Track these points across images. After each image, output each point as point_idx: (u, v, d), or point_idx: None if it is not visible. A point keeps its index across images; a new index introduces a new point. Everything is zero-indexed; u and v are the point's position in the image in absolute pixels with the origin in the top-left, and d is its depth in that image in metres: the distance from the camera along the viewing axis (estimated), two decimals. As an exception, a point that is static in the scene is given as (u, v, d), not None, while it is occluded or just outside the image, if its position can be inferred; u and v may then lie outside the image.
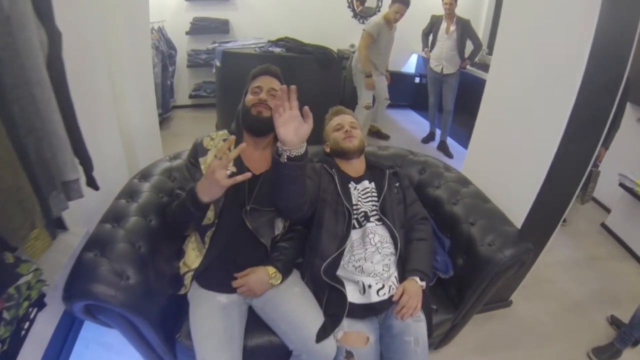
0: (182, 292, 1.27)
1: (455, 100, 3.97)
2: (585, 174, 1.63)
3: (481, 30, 5.08)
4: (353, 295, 1.20)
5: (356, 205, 1.34)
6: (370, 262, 1.24)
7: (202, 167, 1.26)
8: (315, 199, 1.30)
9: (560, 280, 2.38)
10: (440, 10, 3.81)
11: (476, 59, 4.07)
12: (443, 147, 4.11)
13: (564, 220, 2.67)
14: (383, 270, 1.24)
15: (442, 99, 4.05)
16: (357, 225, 1.31)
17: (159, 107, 3.78)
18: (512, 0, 1.67)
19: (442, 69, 3.88)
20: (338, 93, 3.82)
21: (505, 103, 1.70)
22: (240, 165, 1.26)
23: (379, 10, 4.97)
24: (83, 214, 1.40)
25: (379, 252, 1.26)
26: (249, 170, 1.27)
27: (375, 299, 1.19)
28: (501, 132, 1.72)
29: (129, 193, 1.34)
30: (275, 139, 1.36)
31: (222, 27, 4.44)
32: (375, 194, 1.39)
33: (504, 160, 1.69)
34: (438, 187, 1.63)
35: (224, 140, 1.33)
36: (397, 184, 1.45)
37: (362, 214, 1.32)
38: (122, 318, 1.11)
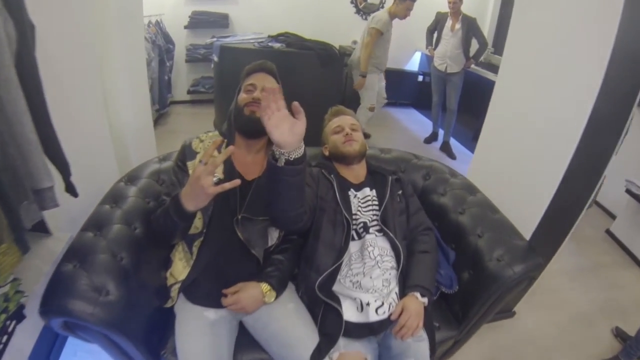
0: (169, 304, 1.19)
1: (459, 100, 3.87)
2: (599, 182, 1.55)
3: (486, 28, 4.97)
4: (350, 313, 1.12)
5: (355, 215, 1.25)
6: (369, 277, 1.15)
7: (190, 171, 1.18)
8: (314, 208, 1.21)
9: (564, 290, 2.32)
10: (446, 7, 3.70)
11: (481, 58, 3.97)
12: (446, 148, 4.02)
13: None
14: (383, 286, 1.16)
15: (445, 99, 3.95)
16: (355, 237, 1.23)
17: (156, 102, 3.69)
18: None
19: (446, 67, 3.78)
20: (339, 91, 3.72)
21: (516, 106, 1.61)
22: (230, 170, 1.17)
23: (382, 6, 4.86)
24: (68, 217, 1.31)
25: (379, 267, 1.17)
26: (240, 176, 1.19)
27: (373, 318, 1.10)
28: (511, 137, 1.63)
29: (114, 198, 1.26)
30: (270, 142, 1.29)
31: (221, 22, 4.34)
32: (376, 203, 1.30)
33: (514, 167, 1.61)
34: (443, 195, 1.54)
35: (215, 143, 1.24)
36: (400, 192, 1.36)
37: (362, 224, 1.24)
38: (102, 335, 1.03)
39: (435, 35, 3.90)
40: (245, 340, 1.17)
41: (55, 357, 1.55)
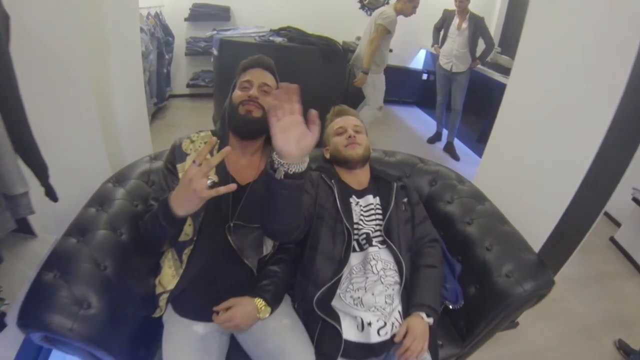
0: (157, 314, 1.12)
1: (464, 100, 3.79)
2: (614, 190, 1.47)
3: (493, 27, 4.86)
4: (349, 332, 1.04)
5: (357, 224, 1.17)
6: (371, 293, 1.08)
7: (180, 174, 1.10)
8: (311, 217, 1.13)
9: (568, 300, 2.27)
10: (453, 4, 3.61)
11: (488, 58, 3.88)
12: (449, 149, 3.94)
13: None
14: (385, 303, 1.08)
15: (450, 98, 3.87)
16: (357, 248, 1.15)
17: (154, 95, 3.60)
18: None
19: (451, 66, 3.70)
20: (342, 89, 3.63)
21: (528, 111, 1.52)
22: (223, 173, 1.09)
23: (387, 2, 4.75)
24: (55, 217, 1.23)
25: (382, 282, 1.10)
26: (234, 180, 1.10)
27: (375, 339, 1.02)
28: (522, 143, 1.55)
29: (100, 200, 1.18)
30: (267, 143, 1.20)
31: (223, 14, 4.24)
32: (379, 211, 1.22)
33: (525, 175, 1.52)
34: (450, 203, 1.46)
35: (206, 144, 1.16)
36: (405, 199, 1.28)
37: (364, 235, 1.15)
38: (83, 350, 0.96)
39: (441, 33, 3.81)
40: (236, 355, 1.09)
41: (42, 366, 1.48)
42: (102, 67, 1.67)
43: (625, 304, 2.32)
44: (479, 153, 4.06)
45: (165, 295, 1.09)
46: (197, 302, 1.07)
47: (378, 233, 1.17)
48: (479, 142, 4.14)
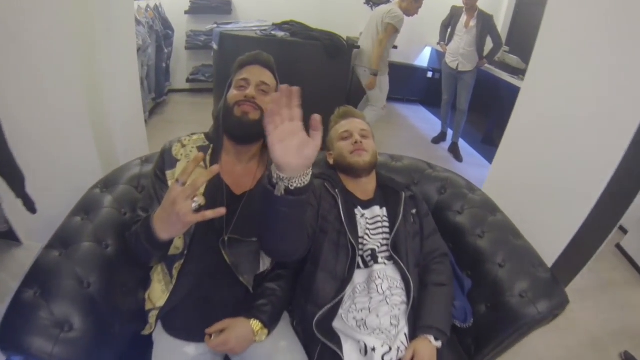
0: (147, 331, 1.04)
1: (470, 99, 3.70)
2: (632, 201, 1.39)
3: (500, 24, 4.75)
4: (352, 357, 0.95)
5: (362, 238, 1.09)
6: (376, 315, 1.00)
7: (170, 182, 1.01)
8: (314, 232, 1.05)
9: (575, 309, 2.19)
10: (461, 2, 3.50)
11: (495, 58, 3.78)
12: (454, 150, 3.85)
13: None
14: (391, 325, 1.00)
15: (456, 98, 3.77)
16: (361, 265, 1.06)
17: (152, 91, 3.51)
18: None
19: (458, 65, 3.60)
20: (345, 86, 3.53)
21: (545, 117, 1.44)
22: (216, 182, 1.00)
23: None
24: (42, 223, 1.16)
25: (387, 303, 1.02)
26: (227, 189, 1.02)
27: (380, 365, 0.95)
28: (537, 150, 1.46)
29: (86, 208, 1.10)
30: (265, 148, 1.10)
31: (224, 7, 4.15)
32: (386, 224, 1.13)
33: (539, 184, 1.44)
34: (460, 213, 1.37)
35: (199, 148, 1.07)
36: (414, 211, 1.19)
37: (369, 251, 1.07)
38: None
39: (449, 30, 3.71)
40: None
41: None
42: (94, 63, 1.58)
43: (633, 314, 2.27)
44: (484, 154, 3.98)
45: (155, 312, 1.01)
46: (189, 320, 0.99)
47: (385, 248, 1.09)
48: (484, 143, 4.06)
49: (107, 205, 1.10)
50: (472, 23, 3.47)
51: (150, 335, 1.03)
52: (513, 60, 3.78)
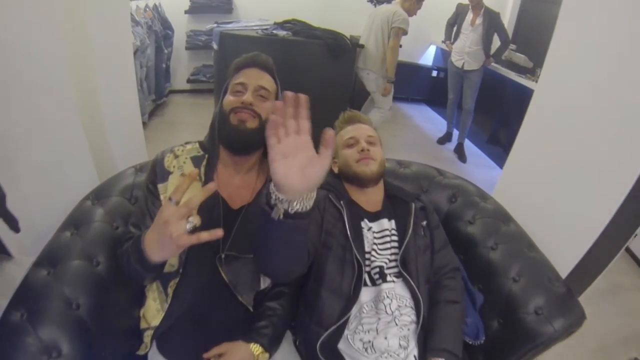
0: (142, 351, 0.98)
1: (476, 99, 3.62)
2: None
3: (505, 22, 4.66)
4: (358, 382, 0.90)
5: (369, 253, 1.02)
6: (384, 337, 0.93)
7: (162, 196, 0.95)
8: (316, 248, 0.98)
9: (585, 316, 2.16)
10: (466, -1, 3.43)
11: (502, 56, 3.70)
12: (459, 151, 3.77)
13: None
14: (400, 347, 0.93)
15: (462, 97, 3.69)
16: (368, 283, 1.00)
17: (152, 92, 3.46)
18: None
19: (463, 64, 3.52)
20: (349, 87, 3.46)
21: (561, 121, 1.36)
22: (212, 194, 0.94)
23: (392, -1, 4.57)
24: (35, 235, 1.10)
25: (396, 323, 0.95)
26: (224, 203, 0.95)
27: (388, 391, 0.89)
28: (553, 157, 1.38)
29: (76, 222, 1.04)
30: (265, 157, 1.02)
31: (225, 7, 4.09)
32: (395, 239, 1.06)
33: (554, 192, 1.36)
34: (472, 223, 1.30)
35: (193, 159, 1.00)
36: (424, 223, 1.12)
37: (377, 269, 1.00)
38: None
39: (455, 29, 3.63)
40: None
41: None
42: (87, 66, 1.53)
43: (640, 318, 2.21)
44: (490, 154, 3.91)
45: (150, 332, 0.95)
46: (185, 341, 0.93)
47: (393, 264, 1.02)
48: (489, 143, 3.99)
49: (98, 219, 1.04)
50: (479, 21, 3.39)
51: (146, 355, 0.97)
52: (520, 58, 3.69)
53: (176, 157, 0.99)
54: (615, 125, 1.19)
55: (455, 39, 3.60)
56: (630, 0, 1.16)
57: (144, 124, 3.28)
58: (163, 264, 0.81)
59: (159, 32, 3.47)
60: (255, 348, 0.89)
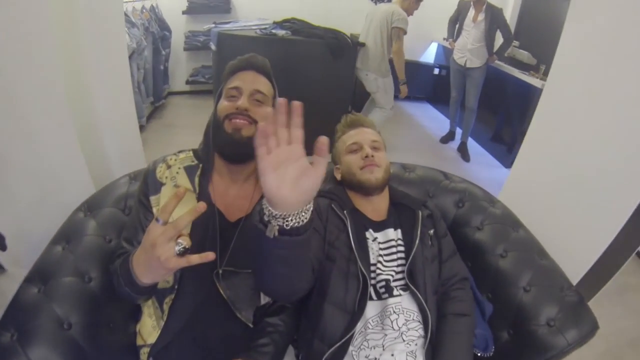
0: (139, 367, 0.95)
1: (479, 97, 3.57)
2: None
3: (508, 16, 4.59)
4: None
5: (374, 266, 0.97)
6: (390, 353, 0.89)
7: (155, 209, 0.91)
8: (320, 263, 0.94)
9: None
10: (468, -5, 3.37)
11: (505, 53, 3.64)
12: (462, 150, 3.72)
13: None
14: (407, 364, 0.90)
15: (464, 95, 3.64)
16: (374, 296, 0.95)
17: (150, 94, 3.42)
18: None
19: (466, 61, 3.46)
20: (351, 88, 3.41)
21: (571, 121, 1.31)
22: (207, 206, 0.90)
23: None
24: (29, 248, 1.06)
25: (403, 339, 0.91)
26: (220, 215, 0.90)
27: (395, 411, 0.84)
28: (562, 158, 1.34)
29: (67, 236, 1.00)
30: None
31: (223, 6, 4.04)
32: (401, 249, 1.01)
33: (564, 195, 1.32)
34: (480, 229, 1.25)
35: (186, 169, 0.95)
36: (432, 231, 1.07)
37: (383, 282, 0.95)
38: None
39: (457, 26, 3.57)
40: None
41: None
42: (79, 69, 1.48)
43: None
44: (493, 153, 3.85)
45: (146, 349, 0.91)
46: (183, 359, 0.90)
47: (400, 276, 0.97)
48: (493, 141, 3.93)
49: (90, 233, 1.00)
50: (480, 17, 3.33)
51: (142, 372, 0.94)
52: (524, 55, 3.63)
53: (169, 167, 0.95)
54: (629, 126, 1.14)
55: (458, 36, 3.54)
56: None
57: (142, 127, 3.24)
58: (154, 285, 0.77)
59: (156, 33, 3.43)
60: None
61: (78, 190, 1.32)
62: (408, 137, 3.98)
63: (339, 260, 0.96)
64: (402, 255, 1.00)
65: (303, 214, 0.60)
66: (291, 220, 0.59)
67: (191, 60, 4.30)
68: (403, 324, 0.92)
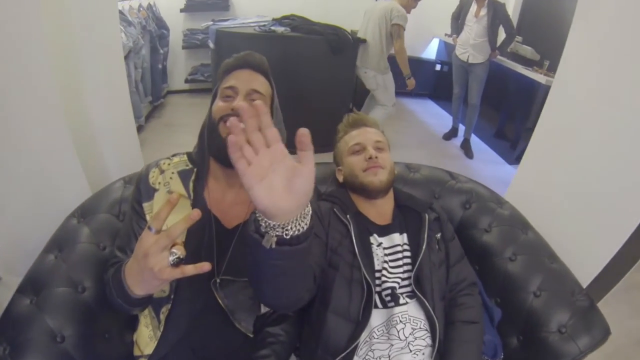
0: (137, 379, 0.91)
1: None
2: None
3: (510, 11, 4.52)
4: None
5: (379, 272, 0.94)
6: (397, 364, 0.86)
7: (148, 216, 0.87)
8: (322, 270, 0.90)
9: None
10: (471, -10, 3.31)
11: (508, 49, 3.59)
12: (465, 146, 3.67)
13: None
14: (415, 374, 0.86)
15: (467, 91, 3.59)
16: (379, 304, 0.91)
17: (149, 94, 3.37)
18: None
19: (468, 57, 3.41)
20: (351, 85, 3.36)
21: (581, 119, 1.26)
22: (203, 213, 0.85)
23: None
24: (23, 256, 1.02)
25: (410, 349, 0.87)
26: (217, 221, 0.87)
27: None
28: (572, 157, 1.29)
29: (60, 244, 0.96)
30: None
31: (221, 4, 3.99)
32: (407, 254, 0.97)
33: (574, 195, 1.27)
34: (488, 231, 1.21)
35: (180, 173, 0.91)
36: (439, 235, 1.03)
37: (389, 290, 0.92)
38: None
39: (459, 22, 3.52)
40: None
41: None
42: (73, 70, 1.44)
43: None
44: (496, 150, 3.81)
45: (144, 360, 0.89)
46: (181, 372, 0.86)
47: (406, 283, 0.94)
48: (496, 137, 3.89)
49: (84, 240, 0.96)
50: (483, 12, 3.27)
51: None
52: (527, 51, 3.58)
53: (162, 172, 0.91)
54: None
55: (460, 31, 3.48)
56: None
57: (141, 127, 3.21)
58: (148, 297, 0.73)
59: (154, 32, 3.38)
60: None
61: (74, 196, 1.28)
62: (410, 135, 3.93)
63: (342, 267, 0.92)
64: (409, 260, 0.97)
65: (302, 219, 0.55)
66: (290, 229, 0.54)
67: (190, 59, 4.26)
68: (410, 334, 0.88)
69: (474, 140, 3.81)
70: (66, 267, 0.90)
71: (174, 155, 0.96)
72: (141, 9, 3.15)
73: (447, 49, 4.71)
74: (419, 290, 0.92)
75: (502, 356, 1.07)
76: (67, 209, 1.10)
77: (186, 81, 4.21)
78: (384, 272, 0.93)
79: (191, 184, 0.89)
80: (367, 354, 0.88)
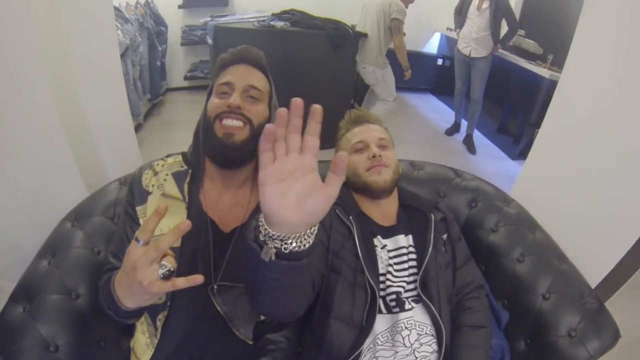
0: (134, 386, 0.89)
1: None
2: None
3: (512, 3, 4.46)
4: None
5: (384, 276, 0.90)
6: (403, 372, 0.83)
7: (141, 220, 0.83)
8: (322, 278, 0.87)
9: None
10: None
11: (510, 42, 3.53)
12: (468, 142, 3.63)
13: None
14: (421, 382, 0.83)
15: (469, 86, 3.54)
16: (383, 309, 0.88)
17: (147, 91, 3.34)
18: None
19: (470, 51, 3.36)
20: (352, 80, 3.31)
21: (589, 117, 1.23)
22: (199, 216, 0.82)
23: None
24: (17, 260, 0.99)
25: (416, 357, 0.84)
26: (213, 225, 0.83)
27: None
28: (579, 153, 1.26)
29: (53, 249, 0.93)
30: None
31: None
32: (413, 257, 0.94)
33: (581, 193, 1.24)
34: (495, 231, 1.17)
35: (175, 175, 0.88)
36: (445, 236, 0.99)
37: (393, 295, 0.88)
38: None
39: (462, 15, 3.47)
40: None
41: None
42: (68, 68, 1.41)
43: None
44: (499, 145, 3.77)
45: (141, 368, 0.86)
46: (179, 380, 0.84)
47: (412, 286, 0.90)
48: (499, 132, 3.85)
49: (78, 245, 0.94)
50: (485, 5, 3.22)
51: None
52: (530, 44, 3.52)
53: (156, 173, 0.87)
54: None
55: (461, 25, 3.43)
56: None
57: (140, 125, 3.17)
58: (140, 310, 0.70)
59: (152, 28, 3.34)
60: None
61: (70, 198, 1.24)
62: (413, 131, 3.89)
63: (344, 271, 0.89)
64: (414, 263, 0.93)
65: (306, 237, 0.51)
66: (291, 243, 0.50)
67: (189, 56, 4.21)
68: (415, 340, 0.85)
69: (477, 135, 3.77)
70: (60, 273, 0.88)
71: (168, 156, 0.92)
72: (138, 5, 3.11)
73: (448, 43, 4.66)
74: (425, 294, 0.89)
75: (509, 360, 1.04)
76: (62, 211, 1.07)
77: (185, 78, 4.17)
78: (389, 275, 0.90)
79: (186, 186, 0.86)
80: (371, 361, 0.85)
